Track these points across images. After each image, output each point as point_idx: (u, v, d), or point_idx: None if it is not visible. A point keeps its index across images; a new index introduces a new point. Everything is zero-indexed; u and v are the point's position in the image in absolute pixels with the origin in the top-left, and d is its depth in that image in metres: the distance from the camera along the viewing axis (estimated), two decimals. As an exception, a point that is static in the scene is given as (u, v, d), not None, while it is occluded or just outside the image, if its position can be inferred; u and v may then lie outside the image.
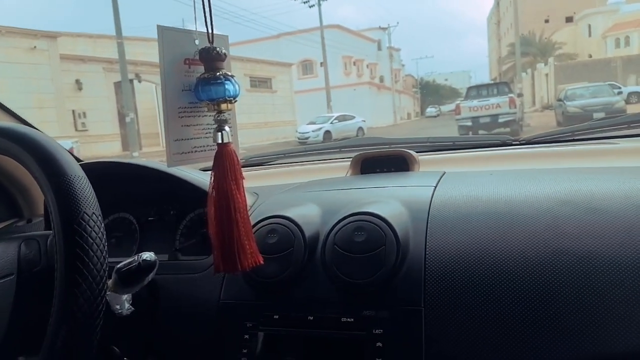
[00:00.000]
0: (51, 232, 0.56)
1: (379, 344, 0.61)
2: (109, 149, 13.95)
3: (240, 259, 0.54)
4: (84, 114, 14.42)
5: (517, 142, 1.15)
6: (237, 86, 0.53)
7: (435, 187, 0.79)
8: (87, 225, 0.51)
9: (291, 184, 1.00)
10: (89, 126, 14.44)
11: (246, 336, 0.67)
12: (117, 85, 14.38)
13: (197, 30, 0.53)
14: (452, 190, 0.78)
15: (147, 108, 16.33)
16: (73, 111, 14.19)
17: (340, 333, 0.63)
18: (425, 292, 0.62)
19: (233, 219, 0.53)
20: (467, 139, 1.25)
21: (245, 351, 0.66)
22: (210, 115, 0.55)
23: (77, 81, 14.33)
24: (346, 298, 0.65)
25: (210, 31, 0.52)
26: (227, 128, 0.54)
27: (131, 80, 14.06)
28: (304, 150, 1.37)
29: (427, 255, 0.65)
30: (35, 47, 13.31)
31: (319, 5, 23.24)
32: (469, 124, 11.58)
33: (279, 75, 22.22)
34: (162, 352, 0.74)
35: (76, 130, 14.00)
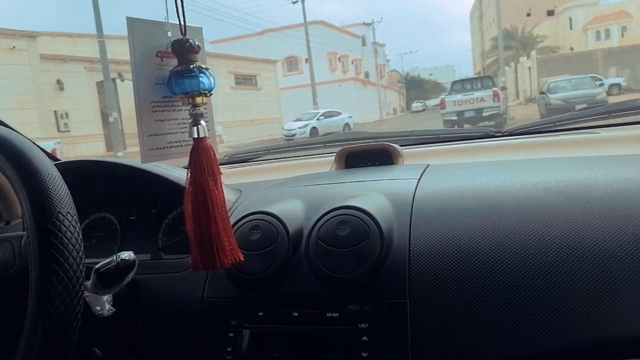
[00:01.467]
0: (25, 232, 0.55)
1: (364, 338, 0.61)
2: (92, 150, 13.77)
3: (219, 256, 0.53)
4: (66, 114, 14.20)
5: (500, 134, 1.15)
6: (212, 79, 0.52)
7: (419, 179, 0.78)
8: (61, 225, 0.50)
9: (276, 180, 0.99)
10: (72, 127, 14.22)
11: (231, 334, 0.66)
12: (100, 85, 14.18)
13: (170, 22, 0.52)
14: (436, 182, 0.78)
15: (130, 107, 15.76)
16: (55, 112, 13.96)
17: (326, 328, 0.63)
18: (410, 285, 0.61)
19: (211, 215, 0.52)
20: (451, 132, 1.25)
21: (230, 349, 0.65)
22: (185, 110, 0.54)
23: (59, 81, 14.10)
24: (331, 293, 0.65)
25: (182, 23, 0.50)
26: (202, 122, 0.53)
27: (114, 80, 13.87)
28: (289, 146, 1.36)
29: (411, 248, 0.64)
30: (14, 47, 13.05)
31: (303, 1, 23.18)
32: (454, 117, 11.68)
33: (264, 72, 22.12)
34: (146, 352, 0.72)
35: (59, 131, 13.78)
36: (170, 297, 0.73)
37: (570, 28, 33.35)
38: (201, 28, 0.53)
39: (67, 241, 0.49)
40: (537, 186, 0.68)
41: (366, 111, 28.42)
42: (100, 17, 12.62)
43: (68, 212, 0.51)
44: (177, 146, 0.54)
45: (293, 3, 23.50)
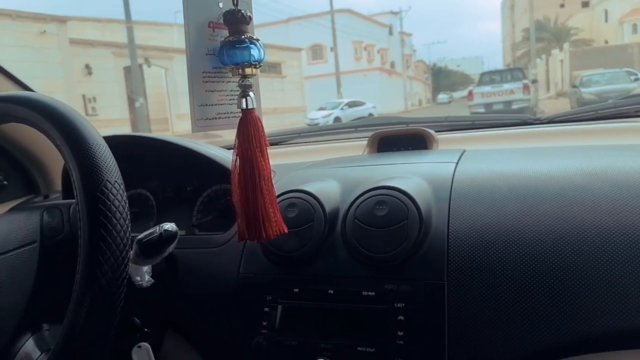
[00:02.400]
0: (73, 200, 0.56)
1: (400, 317, 0.60)
2: (127, 132, 13.97)
3: (265, 228, 0.53)
4: (94, 98, 14.47)
5: (539, 121, 1.12)
6: (262, 50, 0.52)
7: (457, 163, 0.77)
8: (109, 193, 0.51)
9: (308, 162, 0.99)
10: (99, 111, 14.49)
11: (266, 309, 0.67)
12: (127, 70, 14.39)
13: (221, -8, 0.52)
14: (475, 166, 0.76)
15: (156, 93, 16.35)
16: (83, 96, 14.24)
17: (362, 307, 0.63)
18: (449, 267, 0.61)
19: (257, 186, 0.52)
20: (487, 118, 1.23)
21: (265, 323, 0.66)
22: (234, 82, 0.54)
23: (87, 66, 14.35)
24: (367, 272, 0.64)
25: (234, -8, 0.50)
26: (251, 94, 0.53)
27: (140, 65, 14.06)
28: (320, 129, 1.36)
29: (450, 230, 0.63)
30: (45, 31, 13.32)
31: (330, -12, 22.97)
32: (482, 110, 11.47)
33: (289, 60, 22.08)
34: (181, 324, 0.74)
35: (86, 114, 14.05)
36: (206, 272, 0.74)
37: (606, 20, 32.23)
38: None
39: (114, 209, 0.50)
40: (578, 172, 0.66)
41: (391, 102, 28.15)
42: (129, 2, 12.77)
43: (116, 181, 0.52)
44: (225, 117, 0.55)
45: (320, -9, 23.30)
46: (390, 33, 37.14)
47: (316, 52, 30.57)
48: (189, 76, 0.51)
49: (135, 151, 0.94)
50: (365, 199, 0.68)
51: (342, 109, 16.96)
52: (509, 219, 0.62)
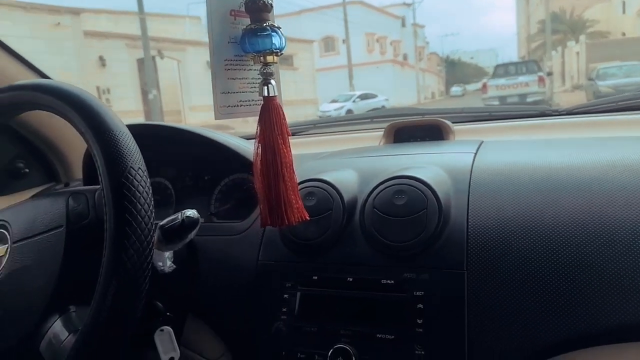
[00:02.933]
0: (99, 187, 0.57)
1: (420, 305, 0.61)
2: (145, 121, 14.07)
3: (287, 214, 0.53)
4: (108, 90, 14.59)
5: (557, 113, 1.11)
6: (283, 38, 0.52)
7: (475, 153, 0.77)
8: (134, 179, 0.52)
9: (324, 153, 0.99)
10: (113, 102, 14.60)
11: (285, 296, 0.68)
12: (140, 62, 14.47)
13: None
14: (493, 156, 0.76)
15: (169, 85, 16.43)
16: (97, 87, 14.36)
17: (381, 295, 0.63)
18: (468, 256, 0.61)
19: (279, 173, 0.53)
20: (505, 110, 1.22)
21: (284, 310, 0.67)
22: (255, 69, 0.54)
23: (101, 57, 14.45)
24: (385, 261, 0.65)
25: (257, -19, 0.51)
26: (273, 81, 0.53)
27: (153, 57, 14.14)
28: (335, 120, 1.36)
29: (469, 220, 0.64)
30: (59, 23, 13.43)
31: (342, -20, 22.81)
32: (496, 103, 11.35)
33: (300, 52, 22.01)
34: (201, 310, 0.75)
35: (101, 106, 14.15)
36: (225, 259, 0.75)
37: (623, 12, 31.56)
38: (271, -17, 0.54)
39: (139, 194, 0.51)
40: (600, 163, 0.66)
41: (403, 94, 27.96)
42: (142, -6, 12.82)
43: (139, 168, 0.53)
44: (247, 105, 0.55)
45: (332, -18, 23.17)
46: (403, 25, 36.80)
47: (328, 44, 30.43)
48: (212, 64, 0.52)
49: (155, 140, 0.95)
50: (384, 188, 0.68)
51: (354, 101, 16.90)
52: (529, 210, 0.62)
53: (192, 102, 16.66)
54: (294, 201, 0.54)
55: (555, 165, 0.68)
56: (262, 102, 0.54)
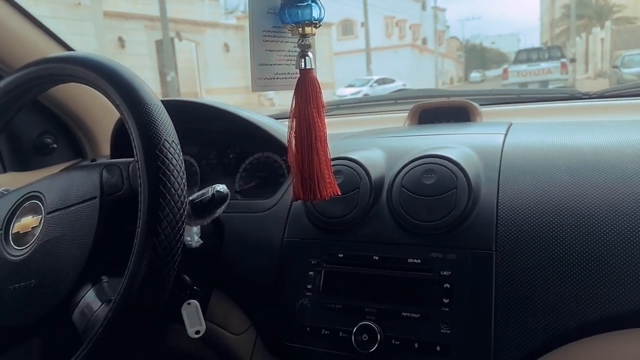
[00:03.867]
0: (132, 159, 0.57)
1: (446, 284, 0.61)
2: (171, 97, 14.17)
3: (320, 188, 0.53)
4: (127, 71, 14.67)
5: (587, 96, 1.09)
6: (322, 9, 0.51)
7: (505, 134, 0.76)
8: (168, 152, 0.52)
9: (350, 133, 0.99)
10: (132, 84, 14.69)
11: (311, 272, 0.68)
12: (159, 44, 14.50)
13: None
14: (524, 137, 0.75)
15: (186, 67, 16.47)
16: (117, 68, 14.44)
17: (407, 273, 0.63)
18: (497, 236, 0.60)
19: (314, 147, 0.52)
20: (533, 92, 1.19)
21: (309, 287, 0.67)
22: (292, 42, 0.54)
23: (120, 38, 14.53)
24: (413, 240, 0.65)
25: (295, -49, 0.50)
26: (310, 54, 0.53)
27: (172, 39, 14.15)
28: (359, 101, 1.35)
29: (499, 200, 0.63)
30: (79, 3, 13.50)
31: (362, -38, 22.41)
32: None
33: (318, 35, 21.18)
34: (228, 284, 0.76)
35: (120, 87, 14.27)
36: (251, 236, 0.76)
37: (653, -4, 30.49)
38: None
39: (172, 167, 0.52)
40: (632, 144, 0.64)
41: (421, 79, 27.57)
42: (162, -26, 12.78)
43: (173, 141, 0.53)
44: (283, 78, 0.55)
45: (352, -36, 22.79)
46: (423, 8, 36.12)
47: (346, 27, 30.06)
48: (251, 35, 0.51)
49: (180, 116, 0.95)
50: (413, 167, 0.67)
51: (371, 86, 16.73)
52: (561, 190, 0.61)
53: (209, 84, 16.69)
54: (327, 176, 0.54)
55: (587, 145, 0.67)
56: (298, 75, 0.53)
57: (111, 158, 0.97)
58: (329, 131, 1.11)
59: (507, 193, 0.63)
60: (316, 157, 0.52)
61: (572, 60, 13.53)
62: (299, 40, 0.52)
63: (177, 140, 0.54)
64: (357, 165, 0.71)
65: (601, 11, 29.26)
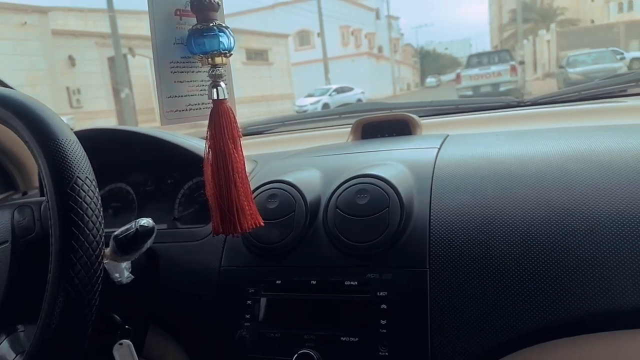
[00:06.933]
0: (44, 198, 0.54)
1: (383, 305, 0.60)
2: (104, 125, 13.83)
3: (240, 221, 0.52)
4: (78, 90, 14.24)
5: (522, 104, 1.12)
6: (232, 38, 0.50)
7: (439, 148, 0.77)
8: (80, 190, 0.49)
9: (291, 152, 0.98)
10: (84, 103, 14.27)
11: (248, 302, 0.66)
12: (111, 60, 14.15)
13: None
14: (456, 151, 0.76)
15: (142, 83, 16.13)
16: (67, 88, 14.00)
17: (344, 296, 0.62)
18: (430, 253, 0.60)
19: (231, 179, 0.51)
20: (470, 102, 1.22)
21: (248, 316, 0.66)
22: (204, 72, 0.52)
23: (70, 57, 14.09)
24: (349, 261, 0.64)
25: (201, -22, 0.48)
26: (222, 84, 0.51)
27: (125, 55, 13.84)
28: (303, 117, 1.35)
29: (431, 216, 0.63)
30: (26, 22, 13.03)
31: (315, -27, 22.69)
32: (470, 93, 11.48)
33: (275, 47, 21.83)
34: (164, 319, 0.73)
35: (71, 107, 13.84)
36: (187, 266, 0.73)
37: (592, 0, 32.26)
38: (219, -17, 0.51)
39: (86, 205, 0.49)
40: (557, 154, 0.66)
41: (379, 86, 28.08)
42: (111, -10, 12.51)
43: (87, 177, 0.51)
44: (196, 109, 0.53)
45: (305, -25, 23.03)
46: (377, 17, 36.84)
47: (303, 37, 30.28)
48: (156, 67, 0.49)
49: (115, 145, 0.92)
50: (347, 188, 0.67)
51: (330, 95, 16.88)
52: (488, 204, 0.62)
53: (166, 100, 16.37)
54: (247, 207, 0.52)
55: (513, 157, 0.68)
56: (211, 105, 0.51)
57: (40, 193, 0.93)
58: (273, 149, 1.10)
59: (438, 208, 0.63)
60: (234, 189, 0.51)
61: (521, 63, 14.07)
62: (209, 70, 0.51)
63: (91, 176, 0.51)
64: (292, 188, 0.70)
65: (546, 14, 30.69)
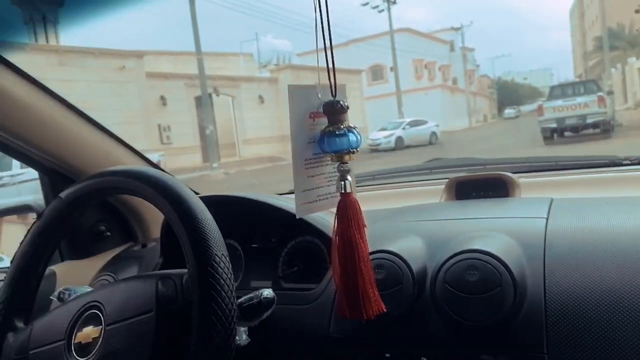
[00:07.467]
0: (185, 270, 0.61)
1: None
2: (190, 160, 14.76)
3: (365, 307, 0.55)
4: (169, 127, 15.40)
5: (628, 162, 1.06)
6: (359, 137, 0.54)
7: (547, 218, 0.75)
8: (218, 267, 0.55)
9: (385, 210, 1.00)
10: (173, 139, 15.37)
11: None
12: (197, 100, 15.20)
13: (319, 83, 0.55)
14: (567, 221, 0.74)
15: (224, 120, 17.12)
16: (159, 125, 15.19)
17: None
18: (548, 337, 0.59)
19: (357, 267, 0.54)
20: (571, 159, 1.18)
21: None
22: (331, 164, 0.57)
23: (162, 97, 15.34)
24: (459, 337, 0.64)
25: (333, 85, 0.54)
26: (349, 177, 0.56)
27: (210, 95, 14.81)
28: (394, 171, 1.37)
29: (547, 296, 0.62)
30: (124, 66, 14.42)
31: (389, 9, 23.11)
32: (554, 125, 10.86)
33: (349, 82, 21.93)
34: None
35: (162, 143, 14.97)
36: (297, 330, 0.77)
37: (688, 23, 29.73)
38: (345, 85, 0.57)
39: (223, 282, 0.55)
40: None
41: (454, 119, 27.51)
42: (199, 35, 13.56)
43: (223, 254, 0.57)
44: (324, 199, 0.58)
45: (379, 12, 23.52)
46: (452, 49, 36.51)
47: (376, 72, 30.65)
48: (294, 165, 0.55)
49: (226, 207, 0.99)
50: (455, 262, 0.67)
51: (403, 128, 16.80)
52: (606, 284, 0.60)
53: (245, 135, 17.23)
54: (371, 294, 0.55)
55: (632, 230, 0.65)
56: (338, 196, 0.56)
57: (160, 245, 1.02)
58: (363, 207, 1.13)
59: (553, 288, 0.62)
60: (360, 278, 0.54)
61: (610, 93, 13.16)
62: (338, 166, 0.55)
63: (226, 253, 0.57)
64: (398, 259, 0.71)
65: (635, 41, 28.68)
